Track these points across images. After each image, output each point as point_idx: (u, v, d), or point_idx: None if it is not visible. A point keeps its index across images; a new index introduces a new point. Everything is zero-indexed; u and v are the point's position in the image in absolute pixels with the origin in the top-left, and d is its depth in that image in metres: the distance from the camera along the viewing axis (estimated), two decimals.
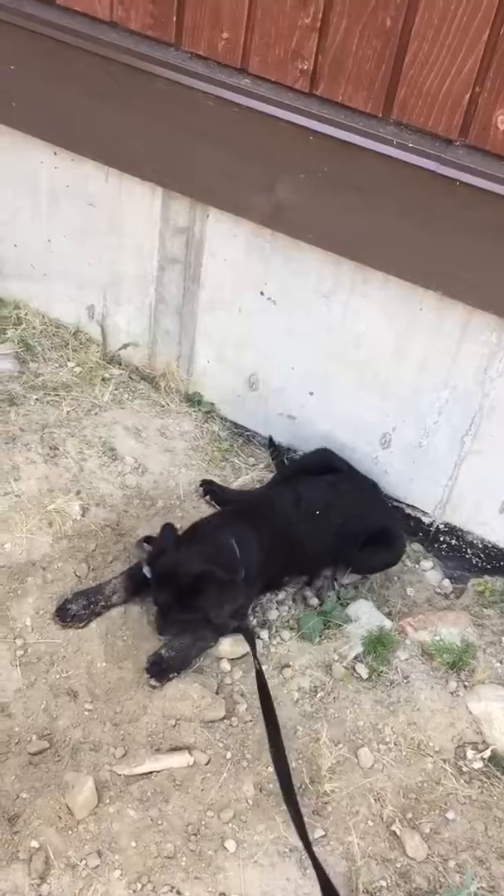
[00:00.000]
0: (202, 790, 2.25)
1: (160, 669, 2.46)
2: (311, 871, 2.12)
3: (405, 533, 3.06)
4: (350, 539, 2.86)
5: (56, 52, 2.75)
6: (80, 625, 2.54)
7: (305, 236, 2.74)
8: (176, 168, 2.83)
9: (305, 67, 2.49)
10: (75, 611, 2.55)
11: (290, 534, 2.74)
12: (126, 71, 2.68)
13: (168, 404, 3.36)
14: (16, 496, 2.85)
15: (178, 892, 2.06)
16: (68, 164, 3.08)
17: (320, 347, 3.02)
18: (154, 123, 2.75)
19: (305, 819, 2.25)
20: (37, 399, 3.22)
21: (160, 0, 2.57)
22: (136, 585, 2.62)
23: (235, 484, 3.15)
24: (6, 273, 3.51)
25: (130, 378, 3.43)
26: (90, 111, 2.83)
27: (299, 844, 2.17)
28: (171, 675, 2.47)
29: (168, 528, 2.59)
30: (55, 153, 3.07)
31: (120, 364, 3.47)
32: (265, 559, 2.64)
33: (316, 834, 2.25)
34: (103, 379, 3.38)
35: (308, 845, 2.12)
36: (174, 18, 2.58)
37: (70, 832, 2.11)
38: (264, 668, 2.61)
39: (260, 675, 2.45)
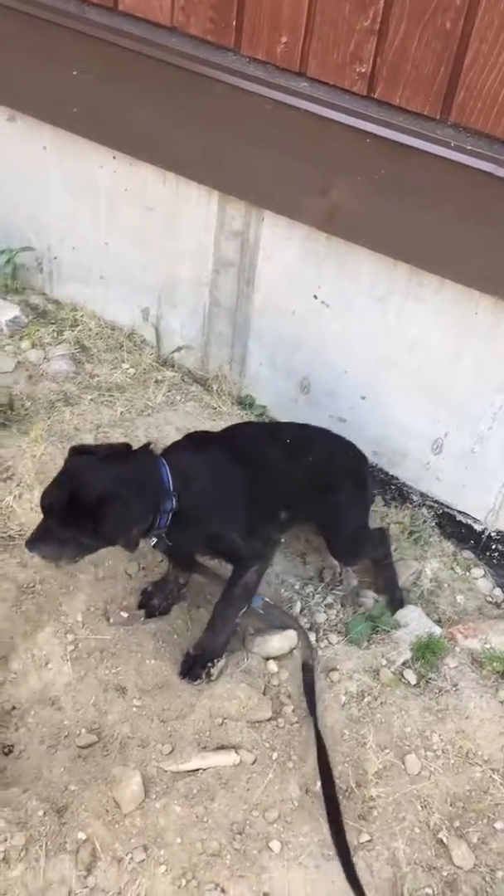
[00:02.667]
0: (248, 789, 2.25)
1: (189, 668, 2.46)
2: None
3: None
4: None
5: (117, 57, 2.79)
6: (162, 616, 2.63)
7: (360, 240, 2.74)
8: (232, 172, 2.85)
9: (363, 70, 2.49)
10: (157, 604, 2.63)
11: (269, 463, 2.59)
12: (185, 76, 2.72)
13: (220, 406, 3.38)
14: None
15: (223, 890, 2.06)
16: (127, 168, 3.12)
17: (373, 351, 3.01)
18: (212, 127, 2.78)
19: (350, 823, 2.24)
20: (91, 399, 3.27)
21: (220, 5, 2.60)
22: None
23: None
24: (64, 276, 3.58)
25: (183, 380, 3.46)
26: (149, 116, 2.87)
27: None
28: (207, 666, 2.46)
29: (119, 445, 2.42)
30: (114, 157, 3.12)
31: (173, 366, 3.50)
32: (248, 488, 2.48)
33: (362, 838, 2.23)
34: (156, 381, 3.42)
35: (348, 860, 2.11)
36: (233, 23, 2.61)
37: (117, 825, 2.13)
38: None
39: (308, 672, 2.45)
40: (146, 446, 2.36)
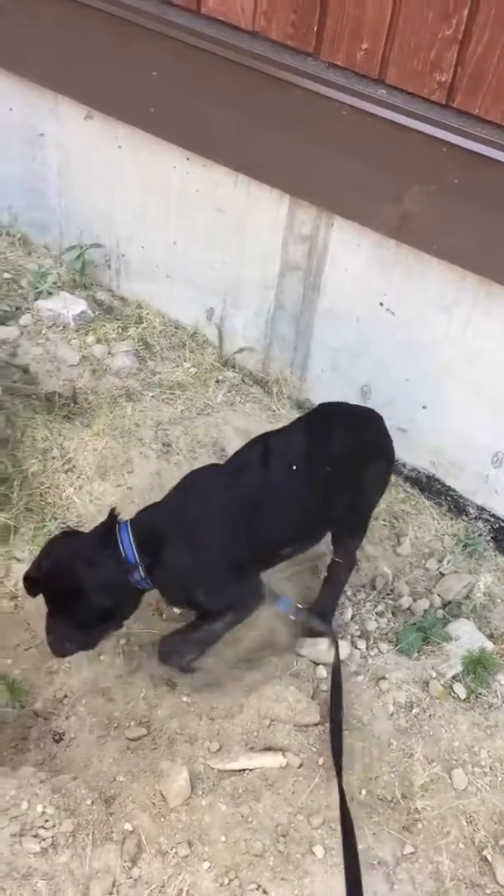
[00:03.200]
0: (293, 793, 2.26)
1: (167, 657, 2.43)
2: (398, 887, 2.10)
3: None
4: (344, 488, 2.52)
5: (197, 59, 2.82)
6: None
7: (431, 248, 2.73)
8: (305, 176, 2.86)
9: (443, 79, 2.48)
10: None
11: (258, 499, 2.36)
12: (264, 80, 2.73)
13: (279, 409, 3.39)
14: (128, 488, 2.94)
15: (265, 892, 2.07)
16: (199, 169, 3.15)
17: (437, 361, 2.99)
18: (287, 132, 2.79)
19: (394, 833, 2.24)
20: (153, 396, 3.31)
21: (302, 10, 2.61)
22: None
23: None
24: (131, 273, 3.62)
25: (243, 381, 3.48)
26: (225, 118, 2.89)
27: (388, 858, 2.15)
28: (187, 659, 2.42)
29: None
30: (187, 158, 3.15)
31: (234, 367, 3.52)
32: (230, 537, 2.34)
33: (405, 850, 2.22)
34: (217, 381, 3.44)
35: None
36: (315, 28, 2.62)
37: (162, 819, 2.15)
38: (360, 678, 2.61)
39: (336, 674, 2.45)
40: (110, 516, 2.29)
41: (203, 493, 2.37)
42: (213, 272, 3.39)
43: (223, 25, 2.77)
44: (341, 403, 2.66)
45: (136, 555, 2.22)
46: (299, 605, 2.64)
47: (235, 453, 2.53)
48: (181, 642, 2.42)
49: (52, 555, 2.25)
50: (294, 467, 2.38)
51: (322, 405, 2.66)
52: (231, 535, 2.33)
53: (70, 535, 2.38)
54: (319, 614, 2.67)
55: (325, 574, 2.75)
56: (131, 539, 2.23)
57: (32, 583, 2.25)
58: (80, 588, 2.18)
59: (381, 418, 2.64)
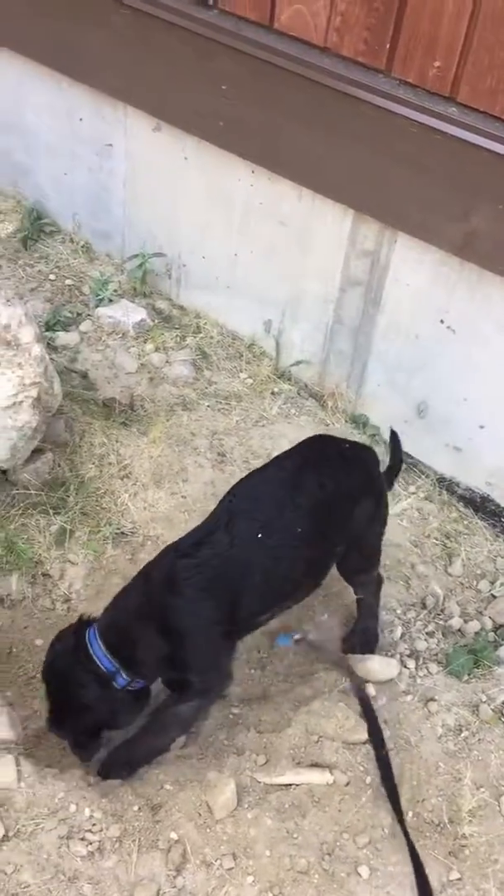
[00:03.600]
0: (339, 811, 2.24)
1: (108, 770, 2.32)
2: None
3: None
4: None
5: (267, 74, 2.84)
6: None
7: (497, 268, 2.71)
8: (371, 192, 2.86)
9: None
10: None
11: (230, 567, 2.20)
12: (334, 95, 2.74)
13: (333, 423, 3.38)
14: (182, 497, 2.96)
15: None
16: (264, 182, 3.17)
17: (497, 381, 2.96)
18: (355, 147, 2.80)
19: (440, 858, 2.20)
20: (208, 406, 3.33)
21: (375, 28, 2.61)
22: None
23: (395, 510, 3.13)
24: (191, 283, 3.65)
25: (299, 394, 3.49)
26: (293, 133, 2.90)
27: (434, 883, 2.12)
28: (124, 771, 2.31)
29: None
30: (253, 171, 3.18)
31: (290, 380, 3.52)
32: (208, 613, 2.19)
33: (451, 876, 2.18)
34: (273, 392, 3.45)
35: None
36: (387, 45, 2.62)
37: (208, 830, 2.15)
38: (409, 698, 2.59)
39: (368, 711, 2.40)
40: (78, 623, 2.25)
41: (167, 578, 2.19)
42: (272, 285, 3.41)
43: (295, 41, 2.79)
44: (323, 438, 2.59)
45: (110, 661, 2.17)
46: (297, 636, 2.57)
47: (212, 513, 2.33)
48: (157, 730, 2.34)
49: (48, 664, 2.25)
50: (262, 526, 2.21)
51: (302, 443, 2.49)
52: (210, 610, 2.19)
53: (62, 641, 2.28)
54: (362, 643, 2.65)
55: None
56: (101, 645, 2.17)
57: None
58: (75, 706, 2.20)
59: (368, 453, 2.52)
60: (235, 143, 3.09)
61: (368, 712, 2.41)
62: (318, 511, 2.28)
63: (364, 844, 2.19)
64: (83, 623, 2.24)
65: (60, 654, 2.23)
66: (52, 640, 2.30)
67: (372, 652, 2.65)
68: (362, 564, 2.58)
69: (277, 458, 2.46)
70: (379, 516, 2.52)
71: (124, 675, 2.19)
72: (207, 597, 2.16)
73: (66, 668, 2.20)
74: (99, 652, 2.17)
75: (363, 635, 2.68)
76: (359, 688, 2.48)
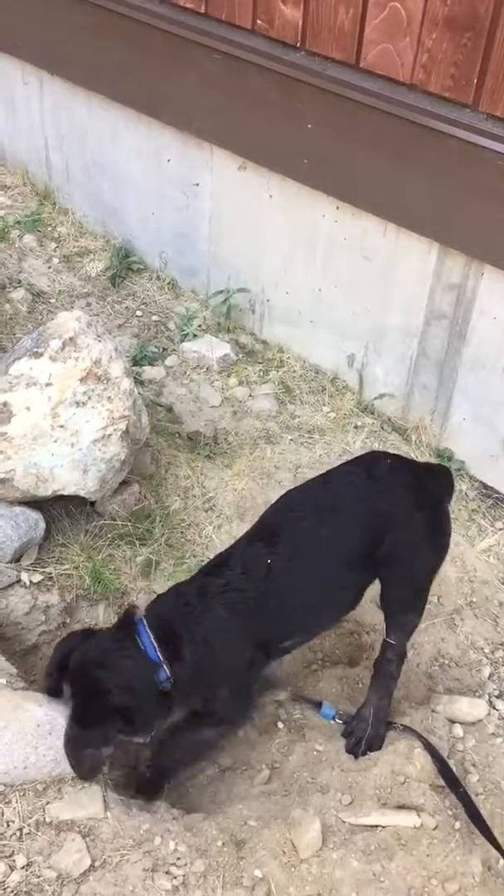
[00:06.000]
0: (427, 855, 2.17)
1: (145, 789, 2.29)
2: None
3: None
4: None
5: (353, 111, 2.88)
6: None
7: None
8: (457, 226, 2.85)
9: None
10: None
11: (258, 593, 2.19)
12: (419, 131, 2.75)
13: (417, 457, 3.34)
14: None
15: None
16: (348, 217, 3.19)
17: None
18: (440, 181, 2.80)
19: None
20: (291, 439, 3.34)
21: (462, 63, 2.62)
22: None
23: (481, 546, 3.07)
24: (275, 318, 3.69)
25: (382, 428, 3.47)
26: (378, 168, 2.93)
27: None
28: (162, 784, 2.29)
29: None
30: (337, 207, 3.20)
31: (373, 413, 3.51)
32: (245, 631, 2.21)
33: None
34: (356, 426, 3.44)
35: None
36: (474, 81, 2.62)
37: (293, 869, 2.11)
38: (499, 741, 2.51)
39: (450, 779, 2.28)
40: (127, 613, 2.20)
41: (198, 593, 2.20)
42: (356, 319, 3.41)
43: (381, 79, 2.82)
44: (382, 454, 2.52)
45: (158, 653, 2.12)
46: (338, 717, 2.45)
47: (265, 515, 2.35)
48: (176, 761, 2.33)
49: (73, 659, 2.14)
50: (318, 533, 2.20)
51: (360, 457, 2.47)
52: (236, 631, 2.20)
53: (83, 636, 2.23)
54: (373, 720, 2.38)
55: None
56: (151, 637, 2.13)
57: (55, 692, 2.17)
58: (104, 691, 2.06)
59: (424, 471, 2.43)
60: (320, 179, 3.13)
61: (431, 750, 2.32)
62: (357, 531, 2.24)
63: (453, 892, 2.11)
64: (131, 612, 2.20)
65: (95, 647, 2.15)
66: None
67: (379, 747, 2.37)
68: (405, 597, 2.35)
69: (324, 474, 2.41)
70: (433, 543, 2.35)
71: (166, 671, 2.13)
72: (235, 617, 2.17)
73: (106, 652, 2.12)
74: (147, 641, 2.13)
75: (373, 723, 2.38)
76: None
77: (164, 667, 2.13)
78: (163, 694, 2.15)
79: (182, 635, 2.16)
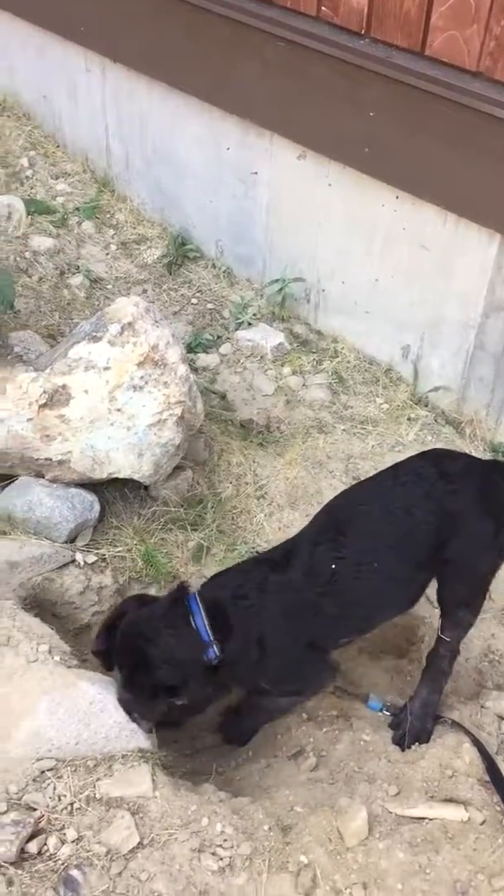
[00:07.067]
0: (474, 850, 2.16)
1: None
2: None
3: None
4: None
5: (416, 99, 2.85)
6: None
7: None
8: None
9: None
10: None
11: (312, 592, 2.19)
12: (484, 119, 2.71)
13: (471, 451, 3.31)
14: None
15: None
16: (408, 207, 3.16)
17: None
18: None
19: None
20: (344, 430, 3.33)
21: None
22: None
23: None
24: (330, 308, 3.67)
25: (436, 421, 3.44)
26: (441, 157, 2.89)
27: None
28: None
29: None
30: (397, 196, 3.18)
31: (427, 405, 3.48)
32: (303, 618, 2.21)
33: None
34: (409, 418, 3.41)
35: None
36: None
37: (338, 857, 2.12)
38: None
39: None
40: (180, 588, 2.22)
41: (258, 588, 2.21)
42: (412, 310, 3.38)
43: (446, 66, 2.78)
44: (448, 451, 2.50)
45: (209, 632, 2.15)
46: (386, 709, 2.45)
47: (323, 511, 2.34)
48: (245, 723, 2.43)
49: (122, 626, 2.19)
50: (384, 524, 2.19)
51: (424, 453, 2.44)
52: (305, 616, 2.20)
53: (138, 602, 2.30)
54: (419, 713, 2.38)
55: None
56: (203, 615, 2.16)
57: (105, 656, 2.23)
58: (151, 664, 2.12)
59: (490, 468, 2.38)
60: (381, 168, 3.10)
61: (479, 746, 2.30)
62: (424, 530, 2.20)
63: (501, 887, 2.09)
64: (184, 588, 2.22)
65: (147, 617, 2.20)
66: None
67: (426, 741, 2.36)
68: (464, 596, 2.33)
69: (386, 469, 2.38)
70: (498, 545, 2.30)
71: (216, 651, 2.16)
72: (289, 618, 2.18)
73: (157, 626, 2.16)
74: (200, 621, 2.16)
75: (420, 717, 2.39)
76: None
77: (214, 647, 2.16)
78: (211, 670, 2.18)
79: (234, 626, 2.17)
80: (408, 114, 2.90)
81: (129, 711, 2.17)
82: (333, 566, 2.17)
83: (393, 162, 3.05)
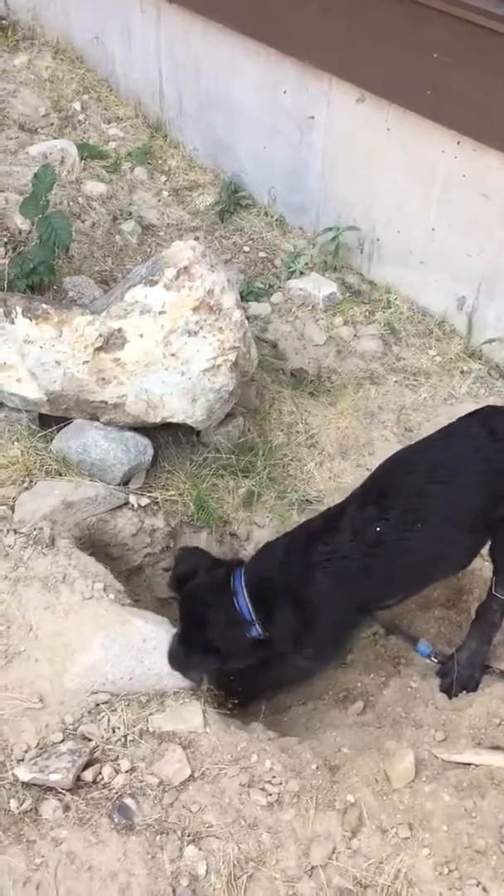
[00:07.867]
0: None
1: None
2: None
3: None
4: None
5: (484, 41, 2.76)
6: None
7: None
8: None
9: None
10: None
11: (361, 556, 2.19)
12: None
13: None
14: (367, 469, 2.95)
15: (485, 890, 2.02)
16: (470, 154, 3.09)
17: None
18: None
19: None
20: (396, 381, 3.30)
21: None
22: None
23: None
24: (384, 258, 3.62)
25: (489, 374, 3.39)
26: None
27: None
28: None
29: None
30: (458, 143, 3.10)
31: (480, 359, 3.44)
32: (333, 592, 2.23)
33: None
34: (462, 371, 3.38)
35: None
36: None
37: (385, 798, 2.15)
38: None
39: None
40: (231, 566, 2.30)
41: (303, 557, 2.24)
42: (469, 260, 3.32)
43: None
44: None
45: (252, 612, 2.24)
46: (434, 656, 2.46)
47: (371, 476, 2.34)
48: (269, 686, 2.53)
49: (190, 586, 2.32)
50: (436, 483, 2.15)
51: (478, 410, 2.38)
52: (353, 581, 2.22)
53: (209, 564, 2.37)
54: (466, 663, 2.40)
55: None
56: (246, 596, 2.24)
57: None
58: (208, 625, 2.24)
59: None
60: (443, 112, 3.02)
61: None
62: (474, 492, 2.17)
63: None
64: (233, 563, 2.31)
65: (205, 586, 2.30)
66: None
67: (474, 689, 2.40)
68: None
69: (444, 429, 2.34)
70: None
71: (259, 629, 2.24)
72: (338, 585, 2.19)
73: (207, 605, 2.27)
74: (243, 602, 2.23)
75: (468, 666, 2.41)
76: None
77: (257, 625, 2.23)
78: (256, 642, 2.27)
79: (277, 604, 2.24)
80: (474, 55, 2.81)
81: (179, 668, 2.23)
82: (378, 528, 2.16)
83: (456, 105, 2.97)
